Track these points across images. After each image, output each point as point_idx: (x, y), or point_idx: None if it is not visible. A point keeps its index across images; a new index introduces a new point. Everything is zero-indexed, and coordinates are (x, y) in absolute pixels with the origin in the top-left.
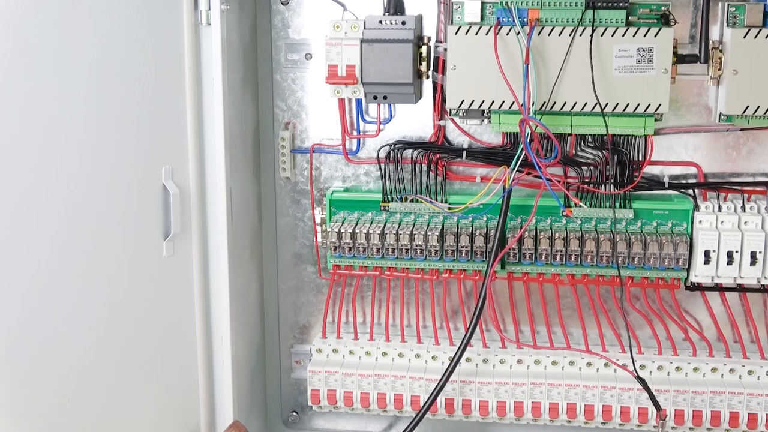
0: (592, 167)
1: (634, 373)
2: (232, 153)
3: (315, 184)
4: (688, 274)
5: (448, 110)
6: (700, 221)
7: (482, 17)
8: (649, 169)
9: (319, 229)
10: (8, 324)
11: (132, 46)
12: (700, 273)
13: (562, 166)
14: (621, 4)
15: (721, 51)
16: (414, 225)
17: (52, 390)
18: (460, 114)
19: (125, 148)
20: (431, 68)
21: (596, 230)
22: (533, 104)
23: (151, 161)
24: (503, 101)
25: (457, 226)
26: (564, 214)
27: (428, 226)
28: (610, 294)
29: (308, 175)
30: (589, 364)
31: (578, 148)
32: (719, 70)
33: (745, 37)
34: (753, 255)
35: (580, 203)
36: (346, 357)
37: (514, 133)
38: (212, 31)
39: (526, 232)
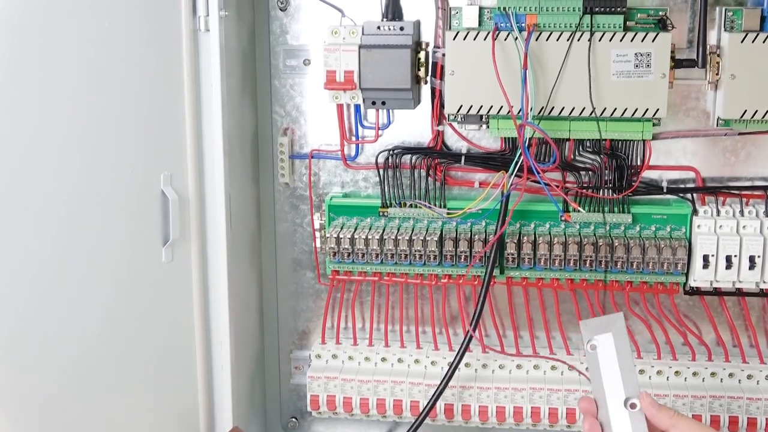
0: (590, 172)
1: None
2: (231, 159)
3: (314, 189)
4: (686, 279)
5: (446, 115)
6: (699, 226)
7: (480, 23)
8: (648, 174)
9: (318, 234)
10: (7, 329)
11: (130, 52)
12: (699, 277)
13: (560, 171)
14: (618, 9)
15: (718, 55)
16: (413, 230)
17: (50, 395)
18: (459, 119)
19: (124, 155)
20: (429, 74)
21: (595, 235)
22: (531, 109)
23: (150, 167)
24: (501, 106)
25: (456, 231)
26: (563, 219)
27: (427, 231)
28: (609, 299)
29: (307, 180)
30: (588, 369)
31: (576, 153)
32: (717, 74)
33: (742, 41)
34: (752, 259)
35: (579, 208)
36: (345, 362)
37: (512, 138)
38: (211, 38)
39: (525, 237)
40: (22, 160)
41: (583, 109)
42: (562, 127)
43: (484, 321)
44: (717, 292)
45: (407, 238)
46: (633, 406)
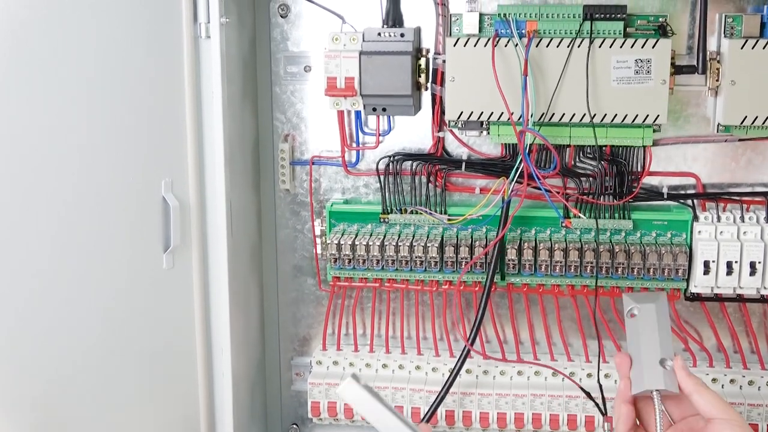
0: (591, 178)
1: (579, 384)
2: (232, 165)
3: (314, 196)
4: (687, 285)
5: (447, 122)
6: (700, 232)
7: (480, 29)
8: (648, 180)
9: (318, 240)
10: (7, 330)
11: (131, 58)
12: (700, 283)
13: (561, 177)
14: (619, 15)
15: (718, 62)
16: (413, 236)
17: (49, 402)
18: (459, 125)
19: (125, 161)
20: (430, 80)
21: (596, 241)
22: (532, 115)
23: (151, 174)
24: (502, 113)
25: (457, 237)
26: (563, 225)
27: (428, 237)
28: (610, 305)
29: (308, 187)
30: (589, 375)
31: (577, 159)
32: (717, 80)
33: (742, 47)
34: (752, 265)
35: (580, 214)
36: (346, 369)
37: (513, 144)
38: (211, 44)
39: (526, 243)
40: (23, 167)
41: (584, 115)
42: (562, 134)
43: (485, 327)
44: (718, 298)
45: (408, 244)
46: (667, 365)
